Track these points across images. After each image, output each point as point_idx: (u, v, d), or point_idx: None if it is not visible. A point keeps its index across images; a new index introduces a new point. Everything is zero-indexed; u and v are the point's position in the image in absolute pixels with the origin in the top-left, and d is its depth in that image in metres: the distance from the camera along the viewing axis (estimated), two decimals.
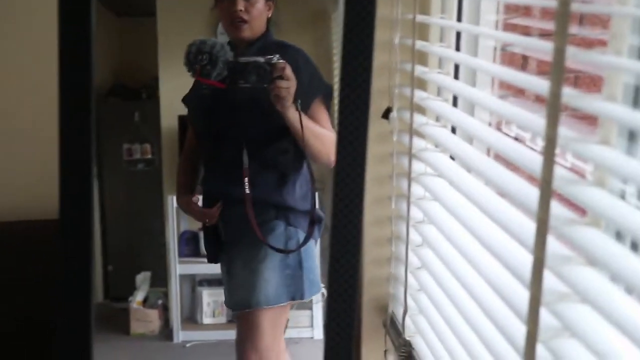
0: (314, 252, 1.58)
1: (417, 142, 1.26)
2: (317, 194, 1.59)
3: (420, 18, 1.21)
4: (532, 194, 0.84)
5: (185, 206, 1.60)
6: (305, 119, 1.38)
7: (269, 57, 1.34)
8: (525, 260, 0.85)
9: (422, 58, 1.29)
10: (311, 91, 1.43)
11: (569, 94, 0.78)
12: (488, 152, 1.19)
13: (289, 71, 1.36)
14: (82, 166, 1.08)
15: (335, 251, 1.08)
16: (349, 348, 1.09)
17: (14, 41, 1.51)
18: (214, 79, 1.38)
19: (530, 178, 0.90)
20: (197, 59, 1.40)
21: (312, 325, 2.74)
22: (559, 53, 0.72)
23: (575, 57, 0.75)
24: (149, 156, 3.18)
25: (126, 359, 2.70)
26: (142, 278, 3.10)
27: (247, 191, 1.45)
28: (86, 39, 1.00)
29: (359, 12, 0.97)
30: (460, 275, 1.08)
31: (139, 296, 2.96)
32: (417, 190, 1.27)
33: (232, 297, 1.55)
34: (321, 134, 1.42)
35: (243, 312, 1.52)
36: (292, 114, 1.37)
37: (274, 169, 1.46)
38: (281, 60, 1.36)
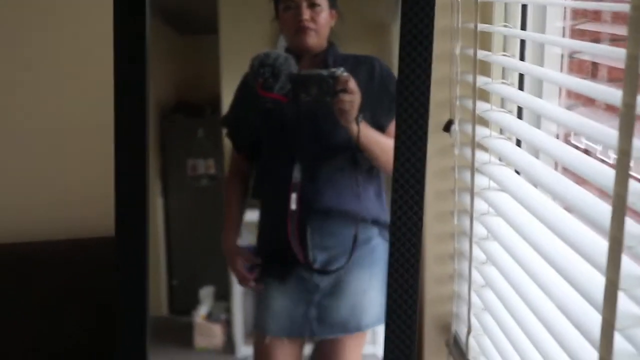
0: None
1: (480, 156, 1.21)
2: None
3: (482, 27, 1.16)
4: (604, 210, 0.79)
5: (232, 254, 1.57)
6: (367, 131, 1.35)
7: (332, 69, 1.32)
8: (597, 281, 0.80)
9: (484, 68, 1.24)
10: (392, 109, 1.39)
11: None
12: (556, 165, 1.13)
13: (352, 84, 1.33)
14: (138, 185, 1.09)
15: (394, 270, 1.05)
16: None
17: (72, 58, 1.53)
18: (277, 92, 1.37)
19: (603, 193, 0.84)
20: (260, 72, 1.39)
21: (374, 342, 2.69)
22: (632, 59, 0.67)
23: None
24: (212, 171, 3.21)
25: None
26: (206, 292, 3.13)
27: (294, 207, 1.42)
28: (142, 57, 1.01)
29: (417, 23, 0.95)
30: (526, 295, 1.02)
31: (203, 310, 2.99)
32: (480, 205, 1.22)
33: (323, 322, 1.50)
34: (385, 144, 1.38)
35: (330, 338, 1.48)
36: (354, 129, 1.34)
37: (326, 181, 1.42)
38: (345, 73, 1.33)
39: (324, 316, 1.44)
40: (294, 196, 1.40)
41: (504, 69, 1.24)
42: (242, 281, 1.54)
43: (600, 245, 0.80)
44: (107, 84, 1.17)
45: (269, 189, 1.50)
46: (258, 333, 1.54)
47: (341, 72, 1.30)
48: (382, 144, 1.36)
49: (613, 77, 1.13)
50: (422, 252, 1.41)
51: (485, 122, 1.22)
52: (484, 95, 1.24)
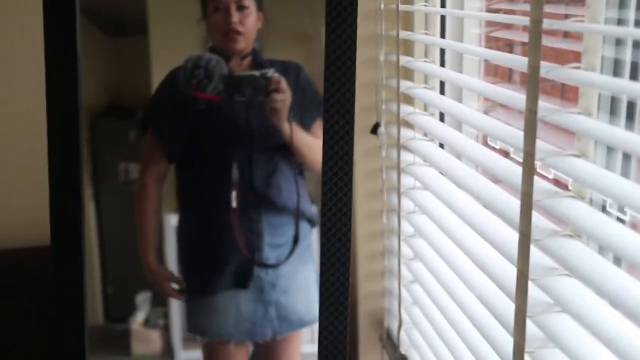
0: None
1: (406, 157, 1.27)
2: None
3: (403, 34, 1.22)
4: (515, 207, 0.85)
5: (159, 277, 1.58)
6: (299, 132, 1.40)
7: (264, 70, 1.36)
8: (510, 272, 0.86)
9: (408, 73, 1.30)
10: (315, 111, 1.44)
11: (545, 107, 0.79)
12: (477, 166, 1.20)
13: (284, 84, 1.37)
14: (72, 190, 1.10)
15: (325, 268, 1.09)
16: None
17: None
18: (210, 93, 1.40)
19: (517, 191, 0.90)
20: (194, 73, 1.41)
21: (312, 341, 2.73)
22: (534, 69, 0.74)
23: (550, 73, 0.77)
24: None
25: None
26: (143, 298, 3.11)
27: (234, 205, 1.44)
28: (73, 59, 1.02)
29: (340, 33, 0.99)
30: (450, 289, 1.09)
31: (140, 317, 2.97)
32: (407, 204, 1.27)
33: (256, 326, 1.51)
34: (314, 144, 1.43)
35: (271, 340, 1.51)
36: (286, 126, 1.39)
37: (265, 179, 1.45)
38: (276, 74, 1.38)
39: (284, 314, 1.47)
40: (234, 194, 1.42)
41: (425, 75, 1.30)
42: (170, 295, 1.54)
43: (512, 239, 0.86)
44: (39, 91, 1.16)
45: (205, 192, 1.51)
46: (214, 340, 1.54)
47: (272, 72, 1.34)
48: (310, 143, 1.41)
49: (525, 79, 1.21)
50: (354, 250, 1.47)
51: (410, 125, 1.28)
52: (408, 99, 1.30)
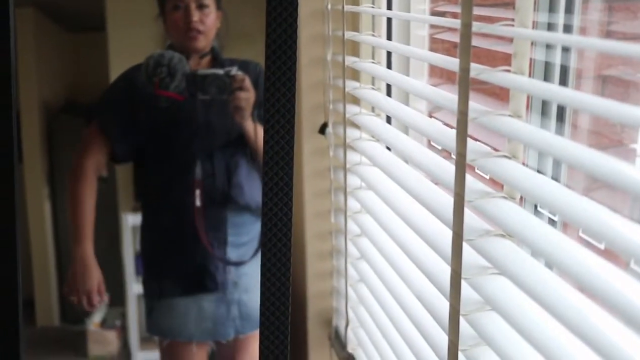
0: None
1: (352, 157, 1.28)
2: None
3: (349, 35, 1.23)
4: (449, 206, 0.86)
5: (90, 267, 1.49)
6: (261, 130, 1.39)
7: (227, 69, 1.36)
8: (446, 273, 0.87)
9: (354, 74, 1.31)
10: None
11: (476, 109, 0.80)
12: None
13: (248, 83, 1.37)
14: (6, 190, 1.08)
15: (266, 269, 1.09)
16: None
17: None
18: (173, 91, 1.38)
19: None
20: (156, 71, 1.40)
21: None
22: (464, 71, 0.75)
23: (480, 75, 0.78)
24: (103, 173, 3.16)
25: None
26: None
27: (198, 203, 1.44)
28: (6, 48, 1.00)
29: (281, 33, 0.99)
30: (392, 289, 1.10)
31: (97, 317, 2.93)
32: (353, 203, 1.28)
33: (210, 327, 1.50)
34: None
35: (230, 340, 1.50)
36: (250, 125, 1.38)
37: (230, 177, 1.44)
38: (240, 72, 1.37)
39: (245, 313, 1.47)
40: (197, 193, 1.42)
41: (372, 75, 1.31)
42: (87, 300, 1.48)
43: (448, 239, 0.87)
44: None
45: (168, 191, 1.49)
46: (175, 340, 1.52)
47: (236, 70, 1.34)
48: None
49: None
50: (302, 249, 1.47)
51: (357, 125, 1.29)
52: (356, 100, 1.31)
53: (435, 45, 1.32)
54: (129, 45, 2.40)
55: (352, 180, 1.28)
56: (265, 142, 1.06)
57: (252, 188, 1.49)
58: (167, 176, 1.50)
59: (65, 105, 3.07)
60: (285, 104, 1.01)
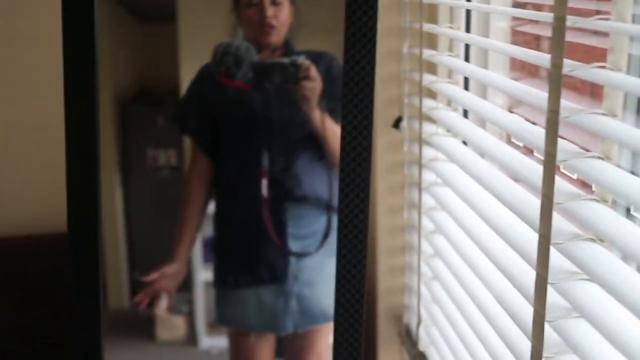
0: None
1: (428, 152, 1.25)
2: None
3: (427, 27, 1.20)
4: (535, 208, 0.83)
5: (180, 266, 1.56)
6: (329, 121, 1.38)
7: (294, 57, 1.35)
8: (530, 277, 0.84)
9: (431, 67, 1.28)
10: None
11: (568, 108, 0.77)
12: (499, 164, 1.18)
13: (314, 72, 1.36)
14: (90, 175, 1.10)
15: (342, 264, 1.08)
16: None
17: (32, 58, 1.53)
18: (239, 80, 1.39)
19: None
20: (223, 60, 1.41)
21: None
22: (556, 68, 0.71)
23: (574, 72, 0.74)
24: (174, 162, 3.20)
25: None
26: None
27: (265, 193, 1.43)
28: (91, 41, 1.02)
29: (360, 26, 0.97)
30: (469, 289, 1.07)
31: (165, 303, 3.00)
32: (428, 200, 1.26)
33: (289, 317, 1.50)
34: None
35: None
36: (316, 115, 1.37)
37: (295, 168, 1.43)
38: (306, 61, 1.36)
39: (306, 307, 1.46)
40: (264, 183, 1.42)
41: (449, 68, 1.28)
42: (153, 296, 1.52)
43: (532, 241, 0.84)
44: (58, 74, 1.17)
45: (235, 180, 1.50)
46: (236, 330, 1.54)
47: (303, 59, 1.33)
48: (340, 135, 1.39)
49: None
50: (374, 245, 1.45)
51: (433, 120, 1.26)
52: (433, 94, 1.28)
53: (516, 37, 1.27)
54: (200, 36, 2.42)
55: (427, 176, 1.25)
56: (343, 137, 1.05)
57: (312, 180, 1.47)
58: (235, 166, 1.50)
59: (137, 94, 3.14)
60: (364, 99, 1.00)
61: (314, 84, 1.33)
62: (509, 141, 1.17)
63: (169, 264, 1.56)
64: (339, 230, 1.04)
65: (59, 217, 1.33)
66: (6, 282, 1.49)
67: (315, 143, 1.43)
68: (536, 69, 1.25)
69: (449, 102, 1.28)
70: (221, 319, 1.56)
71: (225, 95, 1.42)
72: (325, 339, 1.48)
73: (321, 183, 1.48)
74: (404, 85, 1.30)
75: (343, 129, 0.99)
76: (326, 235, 1.44)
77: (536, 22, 1.15)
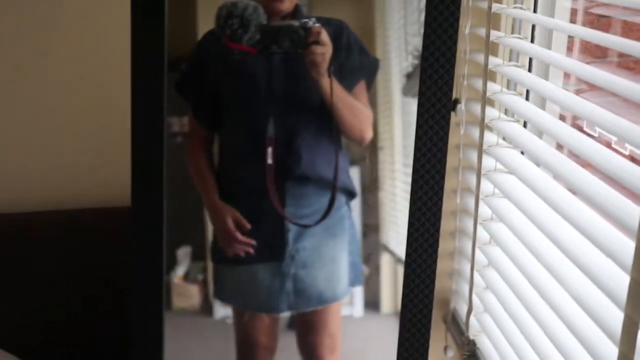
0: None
1: (488, 137, 1.22)
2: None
3: (495, 7, 1.15)
4: (629, 208, 0.79)
5: (218, 211, 1.50)
6: (340, 90, 1.32)
7: (304, 20, 1.29)
8: (617, 277, 0.81)
9: (493, 49, 1.23)
10: (360, 70, 1.36)
11: None
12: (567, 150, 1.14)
13: (324, 36, 1.30)
14: (155, 139, 1.10)
15: (412, 249, 1.07)
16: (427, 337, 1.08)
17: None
18: (246, 44, 1.33)
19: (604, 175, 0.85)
20: (228, 22, 1.34)
21: (351, 303, 2.71)
22: None
23: None
24: (187, 129, 3.16)
25: (169, 332, 2.73)
26: (183, 253, 3.12)
27: (270, 161, 1.39)
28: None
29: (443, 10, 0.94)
30: (531, 276, 1.04)
31: (180, 271, 2.98)
32: (485, 186, 1.22)
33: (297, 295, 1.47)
34: (356, 107, 1.35)
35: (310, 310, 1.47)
36: (326, 82, 1.31)
37: (301, 140, 1.39)
38: (317, 24, 1.30)
39: (301, 288, 1.42)
40: (269, 151, 1.37)
41: (511, 51, 1.23)
42: (230, 240, 1.44)
43: (612, 231, 0.81)
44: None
45: (239, 148, 1.45)
46: (235, 307, 1.50)
47: (313, 22, 1.27)
48: (351, 104, 1.33)
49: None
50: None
51: (492, 103, 1.22)
52: (492, 77, 1.24)
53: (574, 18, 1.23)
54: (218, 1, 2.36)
55: (486, 162, 1.21)
56: (419, 113, 1.01)
57: (313, 157, 1.42)
58: (239, 134, 1.44)
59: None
60: (444, 75, 0.96)
61: (325, 49, 1.28)
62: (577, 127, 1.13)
63: (221, 214, 1.47)
64: (411, 214, 1.02)
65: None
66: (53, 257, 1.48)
67: (323, 113, 1.38)
68: (603, 51, 1.21)
69: (510, 86, 1.24)
70: (217, 294, 1.52)
71: (229, 60, 1.36)
72: (336, 316, 1.45)
73: (317, 160, 1.43)
74: (463, 67, 1.26)
75: (420, 106, 0.96)
76: (327, 212, 1.39)
77: (607, 5, 1.11)
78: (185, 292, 3.35)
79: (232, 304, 1.47)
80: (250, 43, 1.31)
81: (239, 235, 1.40)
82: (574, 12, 1.20)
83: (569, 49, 1.24)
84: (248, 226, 1.41)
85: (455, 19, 0.98)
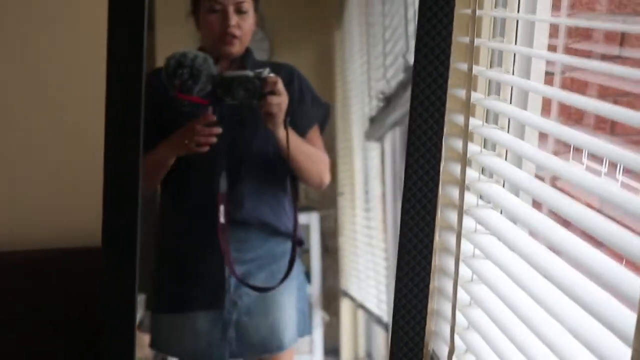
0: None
1: (470, 173, 1.20)
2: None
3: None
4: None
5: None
6: (295, 138, 1.29)
7: (258, 70, 1.25)
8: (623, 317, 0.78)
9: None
10: (312, 116, 1.33)
11: None
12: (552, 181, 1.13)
13: (280, 86, 1.26)
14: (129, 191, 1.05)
15: (403, 273, 1.04)
16: None
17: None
18: (196, 95, 1.28)
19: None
20: (177, 73, 1.29)
21: (310, 351, 2.62)
22: None
23: None
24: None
25: None
26: (138, 300, 3.01)
27: (222, 220, 1.33)
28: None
29: (433, 14, 0.93)
30: (517, 313, 1.01)
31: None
32: (468, 222, 1.20)
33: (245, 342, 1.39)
34: (313, 154, 1.32)
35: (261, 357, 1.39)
36: (282, 133, 1.28)
37: (250, 187, 1.34)
38: (272, 74, 1.26)
39: (243, 336, 1.35)
40: (222, 209, 1.31)
41: (489, 82, 1.23)
42: (191, 131, 1.28)
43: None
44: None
45: (190, 202, 1.38)
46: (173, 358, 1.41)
47: (268, 72, 1.24)
48: (308, 152, 1.30)
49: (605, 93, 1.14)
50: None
51: (473, 139, 1.21)
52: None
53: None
54: (177, 43, 2.32)
55: (468, 198, 1.19)
56: (411, 143, 0.98)
57: (276, 207, 1.37)
58: (189, 188, 1.38)
59: None
60: (436, 91, 0.95)
61: (281, 99, 1.25)
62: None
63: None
64: (401, 246, 0.98)
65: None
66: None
67: (275, 164, 1.33)
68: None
69: (489, 119, 1.23)
70: (154, 344, 1.42)
71: (178, 111, 1.31)
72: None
73: (260, 206, 1.37)
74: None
75: (411, 133, 0.94)
76: (289, 270, 1.34)
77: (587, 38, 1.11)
78: (139, 342, 3.20)
79: (168, 354, 1.39)
80: (201, 94, 1.26)
81: (199, 126, 1.28)
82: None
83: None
84: (213, 119, 1.30)
85: (446, 57, 0.98)
